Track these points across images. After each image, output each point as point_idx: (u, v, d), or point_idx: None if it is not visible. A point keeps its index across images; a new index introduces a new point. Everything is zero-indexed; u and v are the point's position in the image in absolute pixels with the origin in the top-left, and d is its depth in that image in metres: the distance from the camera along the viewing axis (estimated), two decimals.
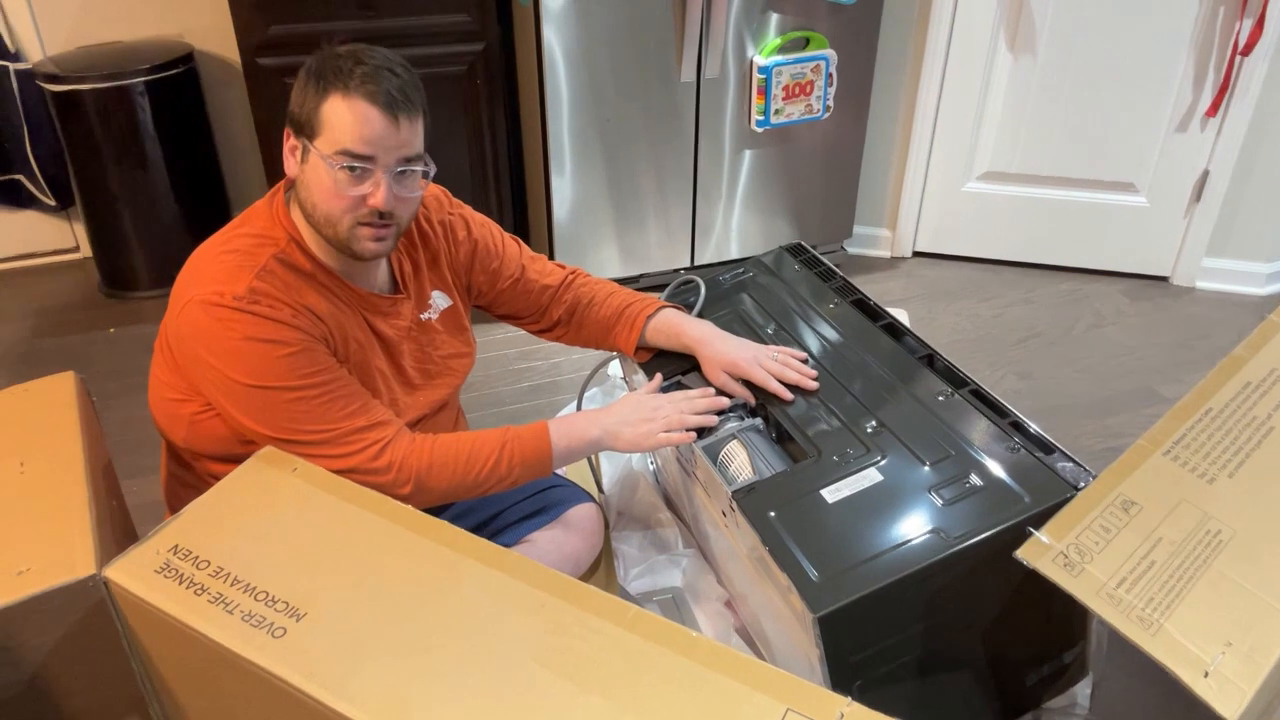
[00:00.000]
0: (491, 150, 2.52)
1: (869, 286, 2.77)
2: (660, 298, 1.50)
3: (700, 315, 1.50)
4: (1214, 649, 0.84)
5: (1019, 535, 1.00)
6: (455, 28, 2.33)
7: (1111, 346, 2.47)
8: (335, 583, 0.96)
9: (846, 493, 1.14)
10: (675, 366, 1.41)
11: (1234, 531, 0.96)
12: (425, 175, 1.18)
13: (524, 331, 1.49)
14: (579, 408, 1.60)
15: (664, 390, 1.37)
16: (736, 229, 2.63)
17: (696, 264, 2.65)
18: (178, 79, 2.50)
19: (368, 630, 0.91)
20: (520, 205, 2.75)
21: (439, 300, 1.36)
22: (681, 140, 2.44)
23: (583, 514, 1.48)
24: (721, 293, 1.56)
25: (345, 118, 1.08)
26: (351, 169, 1.10)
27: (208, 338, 1.10)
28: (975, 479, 1.12)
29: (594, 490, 1.66)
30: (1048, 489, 1.08)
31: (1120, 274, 2.81)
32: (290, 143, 1.15)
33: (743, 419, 1.34)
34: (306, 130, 1.12)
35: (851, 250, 2.94)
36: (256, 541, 1.01)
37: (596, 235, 2.50)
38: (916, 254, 2.95)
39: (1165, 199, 2.66)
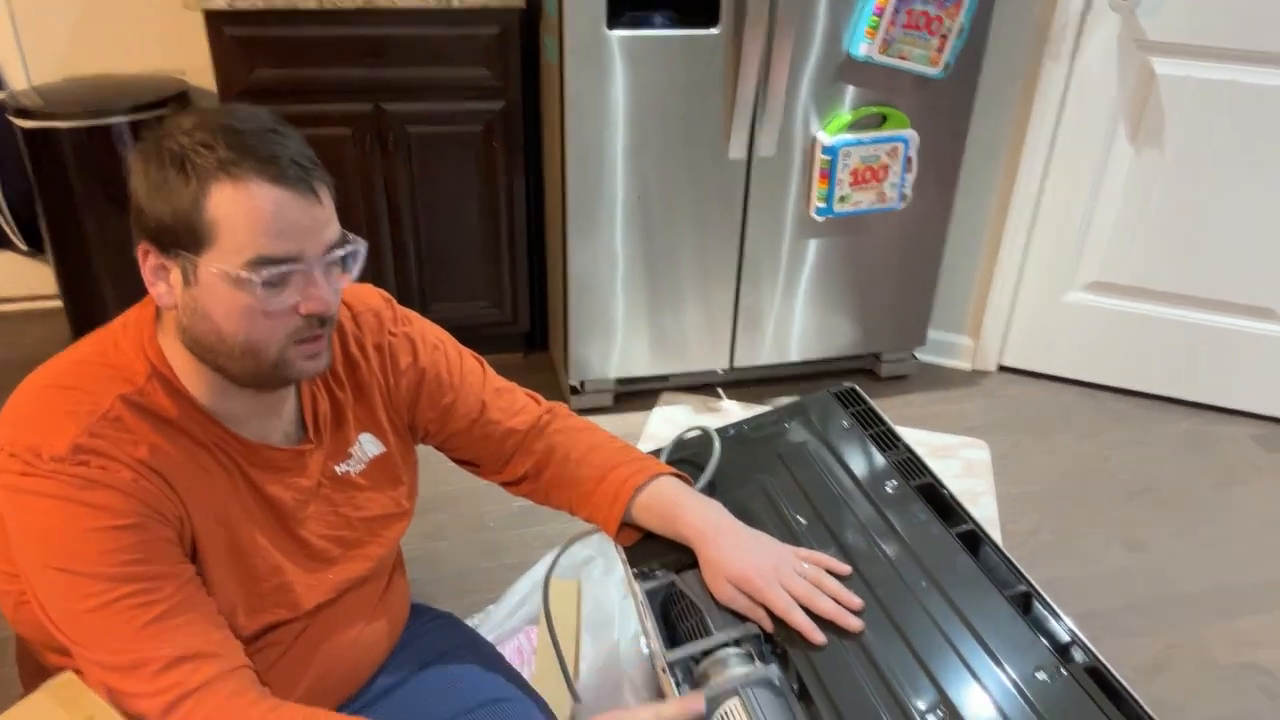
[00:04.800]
0: (508, 222, 2.18)
1: (942, 406, 2.35)
2: (662, 457, 1.12)
3: (712, 485, 1.11)
4: None
5: None
6: (473, 83, 2.02)
7: (1242, 512, 1.99)
8: None
9: None
10: (670, 559, 1.03)
11: None
12: (354, 256, 0.88)
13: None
14: (545, 584, 1.21)
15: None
16: (789, 329, 2.24)
17: (737, 365, 2.26)
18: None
19: None
20: (538, 285, 2.40)
21: (367, 447, 1.02)
22: (726, 226, 2.07)
23: None
24: (744, 453, 1.16)
25: (247, 213, 0.78)
26: (271, 283, 0.80)
27: (8, 495, 0.81)
28: None
29: (561, 697, 1.26)
30: None
31: (1253, 415, 2.33)
32: (154, 262, 0.84)
33: (752, 660, 0.94)
34: (186, 242, 0.80)
35: (924, 358, 2.52)
36: None
37: (618, 324, 2.13)
38: (1002, 369, 2.52)
39: None
